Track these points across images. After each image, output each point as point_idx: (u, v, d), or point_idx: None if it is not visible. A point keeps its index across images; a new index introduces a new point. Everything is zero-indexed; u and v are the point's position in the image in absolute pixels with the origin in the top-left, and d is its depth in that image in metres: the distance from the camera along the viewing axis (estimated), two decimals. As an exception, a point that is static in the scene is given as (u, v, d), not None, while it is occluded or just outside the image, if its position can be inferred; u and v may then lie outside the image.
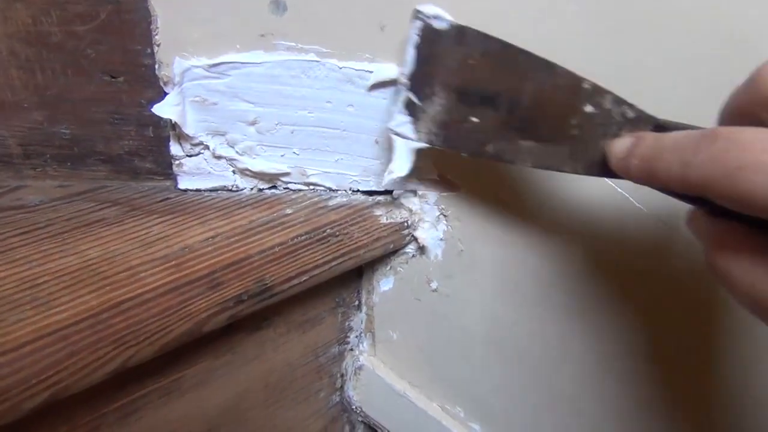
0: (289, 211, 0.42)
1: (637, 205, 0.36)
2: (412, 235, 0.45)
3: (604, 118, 0.31)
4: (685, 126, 0.28)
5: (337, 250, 0.41)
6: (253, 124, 0.42)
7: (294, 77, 0.41)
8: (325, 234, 0.40)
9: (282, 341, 0.46)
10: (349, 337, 0.52)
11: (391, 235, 0.44)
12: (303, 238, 0.39)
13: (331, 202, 0.44)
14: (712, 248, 0.25)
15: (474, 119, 0.34)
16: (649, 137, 0.28)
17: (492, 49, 0.33)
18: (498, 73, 0.33)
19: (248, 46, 0.40)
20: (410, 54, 0.35)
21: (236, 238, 0.38)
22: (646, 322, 0.39)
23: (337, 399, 0.54)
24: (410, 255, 0.47)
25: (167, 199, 0.44)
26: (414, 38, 0.35)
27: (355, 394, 0.54)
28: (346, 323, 0.51)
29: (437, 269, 0.46)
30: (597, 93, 0.31)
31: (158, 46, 0.41)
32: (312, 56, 0.40)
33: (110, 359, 0.31)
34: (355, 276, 0.50)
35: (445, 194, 0.43)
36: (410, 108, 0.36)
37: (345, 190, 0.45)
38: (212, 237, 0.38)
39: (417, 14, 0.34)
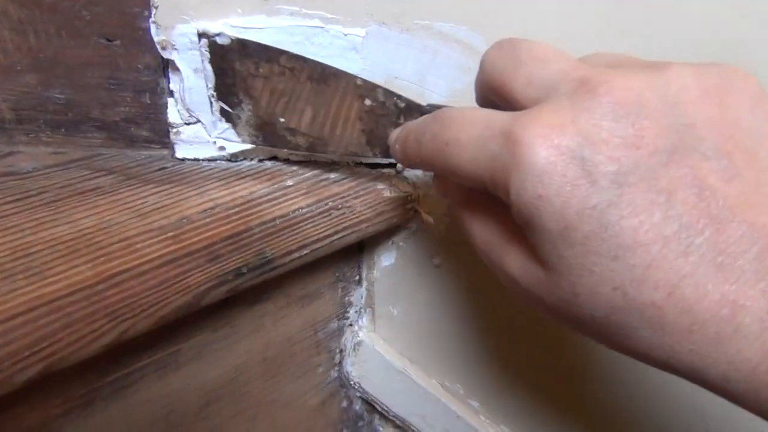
0: (290, 182, 0.41)
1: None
2: (416, 210, 0.44)
3: (382, 109, 0.35)
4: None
5: (339, 224, 0.40)
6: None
7: (297, 44, 0.40)
8: (327, 207, 0.39)
9: (281, 315, 0.45)
10: (348, 312, 0.51)
11: (395, 209, 0.43)
12: (304, 210, 0.38)
13: (333, 175, 0.43)
14: (458, 206, 0.29)
15: (282, 120, 0.38)
16: (408, 123, 0.31)
17: (273, 57, 0.37)
18: (288, 78, 0.37)
19: (250, 11, 0.39)
20: (208, 68, 0.38)
21: (236, 209, 0.37)
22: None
23: (336, 374, 0.53)
24: (413, 230, 0.46)
25: (164, 168, 0.43)
26: (206, 54, 0.38)
27: (353, 369, 0.53)
28: (346, 298, 0.51)
29: (440, 245, 0.45)
30: (370, 88, 0.35)
31: (156, 8, 0.39)
32: (316, 22, 0.39)
33: (106, 332, 0.30)
34: (356, 250, 0.49)
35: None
36: (226, 116, 0.39)
37: (348, 162, 0.44)
38: (211, 208, 0.37)
39: (200, 34, 0.38)
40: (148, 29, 0.40)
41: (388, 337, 0.52)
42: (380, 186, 0.42)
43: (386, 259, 0.48)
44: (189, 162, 0.44)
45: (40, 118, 0.43)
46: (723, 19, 0.32)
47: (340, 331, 0.52)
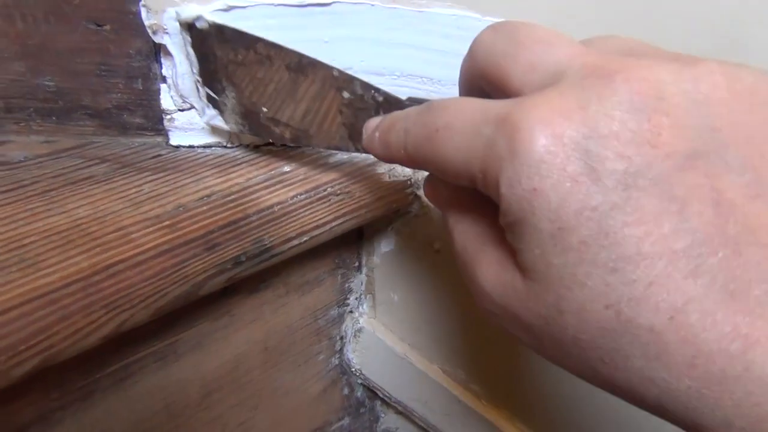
0: (287, 168, 0.40)
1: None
2: (416, 194, 0.43)
3: (360, 102, 0.33)
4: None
5: (339, 210, 0.39)
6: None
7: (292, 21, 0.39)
8: (325, 193, 0.39)
9: (281, 303, 0.45)
10: (348, 299, 0.51)
11: (394, 194, 0.42)
12: (303, 197, 0.38)
13: (332, 159, 0.42)
14: (443, 208, 0.26)
15: (264, 109, 0.37)
16: (393, 113, 0.28)
17: (250, 43, 0.35)
18: (267, 66, 0.35)
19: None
20: (191, 53, 0.37)
21: (233, 197, 0.36)
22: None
23: (337, 361, 0.53)
24: (413, 215, 0.45)
25: (159, 156, 0.42)
26: (187, 39, 0.37)
27: (354, 356, 0.53)
28: (346, 285, 0.50)
29: (440, 230, 0.45)
30: (347, 80, 0.33)
31: (146, -9, 0.38)
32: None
33: (103, 324, 0.30)
34: (355, 236, 0.48)
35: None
36: (213, 102, 0.39)
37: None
38: (207, 196, 0.36)
39: (178, 16, 0.36)
40: (139, 13, 0.39)
41: (388, 323, 0.52)
42: (380, 170, 0.41)
43: (386, 244, 0.48)
44: (184, 149, 0.43)
45: (30, 107, 0.42)
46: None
47: (340, 318, 0.51)
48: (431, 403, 0.52)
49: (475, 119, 0.21)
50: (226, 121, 0.39)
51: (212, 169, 0.40)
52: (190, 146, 0.43)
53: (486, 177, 0.20)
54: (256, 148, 0.43)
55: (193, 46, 0.37)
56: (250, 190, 0.37)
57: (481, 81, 0.23)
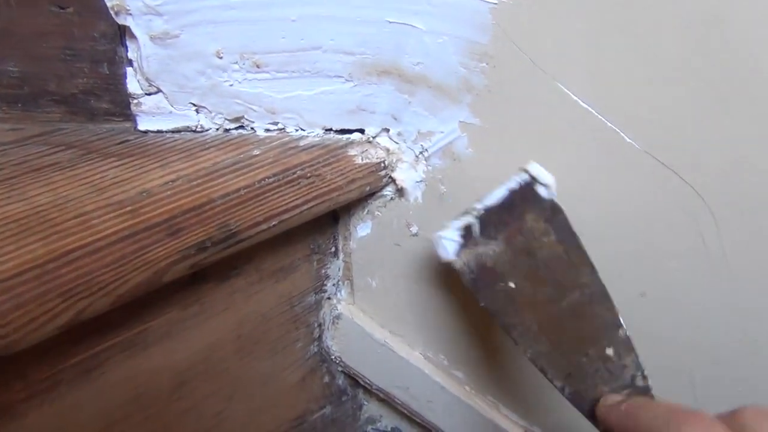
0: (256, 152, 0.39)
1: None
2: (390, 177, 0.42)
3: (616, 369, 0.33)
4: None
5: (309, 193, 0.38)
6: (216, 56, 0.39)
7: None
8: (295, 176, 0.38)
9: (253, 291, 0.44)
10: (325, 285, 0.50)
11: (367, 176, 0.41)
12: (271, 180, 0.37)
13: (302, 142, 0.41)
14: None
15: (511, 285, 0.35)
16: (641, 397, 0.33)
17: (569, 242, 0.35)
18: (561, 266, 0.35)
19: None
20: (502, 193, 0.35)
21: (198, 181, 0.36)
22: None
23: (315, 349, 0.52)
24: (388, 198, 0.44)
25: (126, 141, 0.41)
26: (514, 185, 0.35)
27: (333, 343, 0.52)
28: (323, 271, 0.49)
29: (417, 213, 0.44)
30: (625, 346, 0.33)
31: (106, -30, 0.37)
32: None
33: (60, 312, 0.29)
34: (330, 221, 0.47)
35: (423, 132, 0.41)
36: (466, 233, 0.36)
37: (317, 129, 0.42)
38: (173, 180, 0.35)
39: (528, 171, 0.35)
40: (102, -7, 0.38)
41: (367, 310, 0.51)
42: (351, 153, 0.41)
43: (362, 229, 0.47)
44: (152, 134, 0.42)
45: (-6, 93, 0.41)
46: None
47: (317, 305, 0.50)
48: (413, 390, 0.51)
49: None
50: (458, 254, 0.36)
51: (180, 153, 0.39)
52: (159, 131, 0.42)
53: None
54: (226, 131, 0.42)
55: (513, 192, 0.35)
56: (217, 174, 0.36)
57: None
